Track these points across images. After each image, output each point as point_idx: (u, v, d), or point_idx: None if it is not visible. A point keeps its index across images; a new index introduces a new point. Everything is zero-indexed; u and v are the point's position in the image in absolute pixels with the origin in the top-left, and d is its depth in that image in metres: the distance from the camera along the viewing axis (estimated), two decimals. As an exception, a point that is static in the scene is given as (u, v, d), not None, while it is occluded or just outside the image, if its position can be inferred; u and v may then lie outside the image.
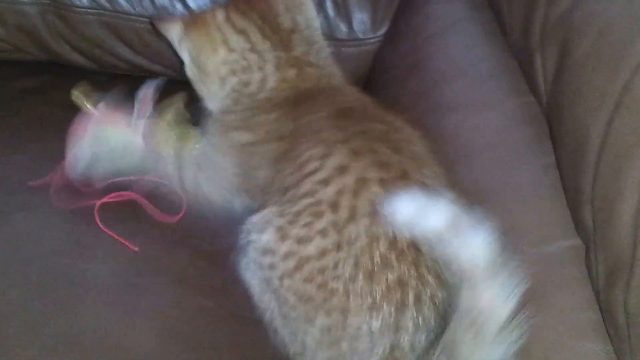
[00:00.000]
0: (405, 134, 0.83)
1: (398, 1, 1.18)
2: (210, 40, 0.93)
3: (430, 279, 0.71)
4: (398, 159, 0.77)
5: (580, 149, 0.67)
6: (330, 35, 1.19)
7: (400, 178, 0.75)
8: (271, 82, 0.90)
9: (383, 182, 0.74)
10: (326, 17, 1.19)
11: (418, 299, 0.71)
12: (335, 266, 0.72)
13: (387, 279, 0.71)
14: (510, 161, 0.80)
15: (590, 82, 0.68)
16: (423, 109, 0.94)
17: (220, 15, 0.94)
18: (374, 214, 0.72)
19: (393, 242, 0.72)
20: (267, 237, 0.77)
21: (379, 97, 1.07)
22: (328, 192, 0.75)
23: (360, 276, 0.71)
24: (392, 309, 0.71)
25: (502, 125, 0.85)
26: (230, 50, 0.92)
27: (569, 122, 0.71)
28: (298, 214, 0.76)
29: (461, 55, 0.96)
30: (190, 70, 0.96)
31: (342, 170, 0.75)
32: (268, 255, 0.76)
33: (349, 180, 0.74)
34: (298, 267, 0.74)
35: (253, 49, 0.92)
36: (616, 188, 0.61)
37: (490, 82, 0.90)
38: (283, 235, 0.76)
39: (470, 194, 0.78)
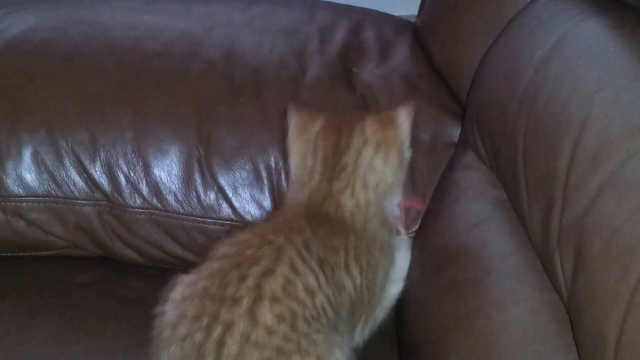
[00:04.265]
0: None
1: (428, 201, 1.25)
2: None
3: None
4: None
5: (597, 347, 0.70)
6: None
7: None
8: None
9: None
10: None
11: None
12: None
13: None
14: (537, 357, 0.82)
15: (602, 284, 0.72)
16: (452, 305, 0.98)
17: None
18: None
19: None
20: None
21: (411, 292, 1.12)
22: None
23: None
24: None
25: (529, 322, 0.87)
26: None
27: (586, 321, 0.74)
28: None
29: (488, 252, 1.01)
30: None
31: None
32: None
33: None
34: None
35: None
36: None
37: (517, 279, 0.93)
38: None
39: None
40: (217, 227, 1.27)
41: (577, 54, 0.94)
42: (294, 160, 1.07)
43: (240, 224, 1.27)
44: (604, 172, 0.77)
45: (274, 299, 0.85)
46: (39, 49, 1.33)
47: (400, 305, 1.19)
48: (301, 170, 1.04)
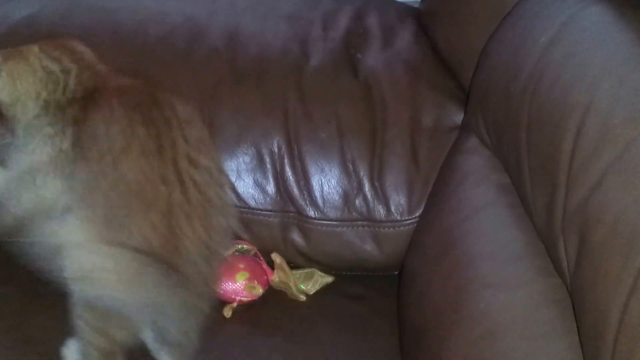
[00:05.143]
0: None
1: (432, 185, 1.26)
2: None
3: None
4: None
5: (599, 331, 0.70)
6: (369, 216, 1.27)
7: None
8: None
9: None
10: (365, 199, 1.27)
11: None
12: None
13: None
14: (537, 339, 0.83)
15: (606, 268, 0.72)
16: (455, 287, 0.99)
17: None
18: None
19: None
20: None
21: (413, 275, 1.13)
22: None
23: None
24: None
25: (530, 304, 0.88)
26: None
27: (589, 305, 0.75)
28: None
29: (491, 237, 1.01)
30: None
31: None
32: None
33: None
34: None
35: None
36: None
37: (519, 263, 0.94)
38: None
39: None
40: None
41: (581, 39, 0.94)
42: None
43: (244, 209, 1.28)
44: (607, 157, 0.77)
45: None
46: (43, 34, 1.33)
47: (402, 288, 1.20)
48: None
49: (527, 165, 0.94)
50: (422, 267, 1.13)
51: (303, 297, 1.24)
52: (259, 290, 1.22)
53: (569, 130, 0.85)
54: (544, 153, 0.90)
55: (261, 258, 1.27)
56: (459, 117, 1.28)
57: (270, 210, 1.29)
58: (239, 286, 1.21)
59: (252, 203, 1.29)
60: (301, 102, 1.30)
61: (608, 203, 0.75)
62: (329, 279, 1.27)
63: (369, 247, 1.28)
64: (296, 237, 1.30)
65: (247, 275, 1.21)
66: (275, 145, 1.29)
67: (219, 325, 1.15)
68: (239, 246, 1.28)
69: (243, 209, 1.28)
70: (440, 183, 1.22)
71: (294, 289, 1.24)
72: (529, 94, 0.96)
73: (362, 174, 1.27)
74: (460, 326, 0.94)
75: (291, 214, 1.29)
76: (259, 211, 1.29)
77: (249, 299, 1.21)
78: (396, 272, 1.29)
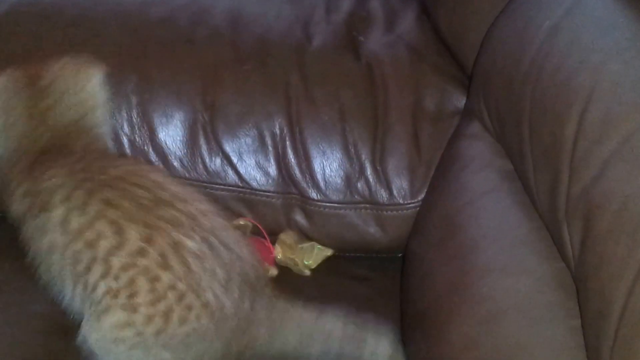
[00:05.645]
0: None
1: (434, 170, 1.26)
2: None
3: None
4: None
5: (602, 316, 0.71)
6: (372, 199, 1.27)
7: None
8: None
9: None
10: (367, 182, 1.27)
11: None
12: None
13: None
14: (539, 322, 0.84)
15: (611, 254, 0.73)
16: (457, 270, 1.00)
17: None
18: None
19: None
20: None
21: (416, 258, 1.13)
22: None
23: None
24: None
25: (533, 288, 0.88)
26: None
27: (593, 289, 0.75)
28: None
29: (495, 221, 1.02)
30: None
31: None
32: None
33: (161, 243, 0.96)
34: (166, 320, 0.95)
35: None
36: (632, 352, 0.65)
37: (522, 248, 0.94)
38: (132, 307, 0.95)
39: (500, 351, 0.83)
40: (224, 193, 1.29)
41: (584, 25, 0.94)
42: None
43: (247, 190, 1.28)
44: (611, 143, 0.78)
45: None
46: (45, 13, 1.33)
47: (405, 270, 1.21)
48: None
49: (530, 152, 0.95)
50: (425, 251, 1.14)
51: (308, 272, 1.25)
52: (274, 272, 1.23)
53: (572, 116, 0.85)
54: (547, 139, 0.90)
55: (265, 236, 1.27)
56: (461, 102, 1.28)
57: (273, 192, 1.30)
58: None
59: (254, 184, 1.29)
60: (303, 85, 1.30)
61: (612, 190, 0.76)
62: (328, 252, 1.28)
63: (373, 229, 1.29)
64: (299, 218, 1.30)
65: None
66: (277, 127, 1.29)
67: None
68: (240, 222, 1.28)
69: (246, 190, 1.29)
70: (442, 168, 1.23)
71: (300, 264, 1.25)
72: (532, 79, 0.97)
73: (364, 157, 1.28)
74: (462, 309, 0.95)
75: (294, 196, 1.30)
76: (261, 192, 1.30)
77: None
78: (400, 255, 1.30)
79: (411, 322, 1.11)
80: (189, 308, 0.96)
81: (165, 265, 0.96)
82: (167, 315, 0.96)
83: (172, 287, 0.96)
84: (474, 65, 1.22)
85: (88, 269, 0.98)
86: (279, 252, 1.25)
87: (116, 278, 0.96)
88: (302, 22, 1.37)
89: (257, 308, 1.02)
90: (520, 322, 0.86)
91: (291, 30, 1.35)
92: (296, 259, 1.25)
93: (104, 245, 0.97)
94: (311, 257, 1.26)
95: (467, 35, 1.27)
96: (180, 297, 0.96)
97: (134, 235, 0.97)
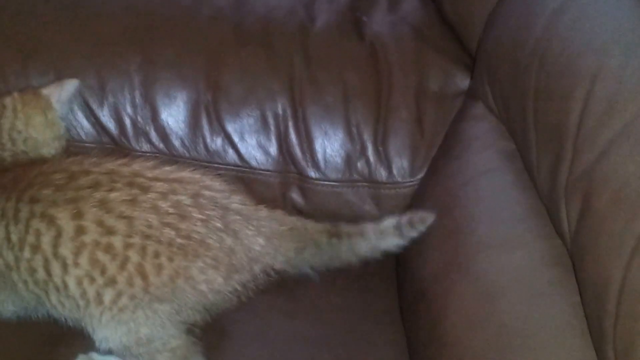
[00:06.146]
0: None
1: (436, 150, 1.27)
2: None
3: None
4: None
5: (602, 292, 0.72)
6: (370, 178, 1.28)
7: None
8: None
9: None
10: (367, 162, 1.28)
11: None
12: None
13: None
14: (538, 298, 0.85)
15: (609, 231, 0.74)
16: (455, 246, 1.01)
17: None
18: None
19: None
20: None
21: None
22: None
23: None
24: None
25: (530, 264, 0.90)
26: None
27: (591, 266, 0.76)
28: None
29: (493, 199, 1.03)
30: None
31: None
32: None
33: None
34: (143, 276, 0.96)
35: None
36: (636, 331, 0.65)
37: (520, 225, 0.95)
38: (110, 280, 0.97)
39: (503, 330, 0.84)
40: (222, 172, 1.28)
41: (590, 6, 0.94)
42: None
43: (245, 168, 1.29)
44: (615, 125, 0.78)
45: None
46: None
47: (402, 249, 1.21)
48: None
49: (534, 133, 0.95)
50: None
51: None
52: None
53: (577, 98, 0.85)
54: (551, 120, 0.91)
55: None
56: (465, 83, 1.29)
57: (271, 171, 1.30)
58: None
59: (253, 163, 1.30)
60: (306, 65, 1.30)
61: (614, 170, 0.76)
62: None
63: (368, 207, 1.29)
64: (295, 196, 1.31)
65: None
66: (280, 107, 1.29)
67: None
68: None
69: (244, 169, 1.29)
70: (444, 148, 1.23)
71: None
72: (536, 61, 0.97)
73: (365, 137, 1.28)
74: (460, 286, 0.96)
75: (292, 174, 1.30)
76: (259, 171, 1.30)
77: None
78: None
79: (410, 300, 1.12)
80: (156, 255, 0.96)
81: (108, 230, 0.96)
82: (140, 271, 0.96)
83: (128, 246, 0.96)
84: (478, 46, 1.23)
85: (48, 272, 0.97)
86: None
87: (77, 266, 0.96)
88: (305, 2, 1.37)
89: (242, 234, 1.03)
90: (519, 298, 0.87)
91: (294, 11, 1.35)
92: None
93: (46, 241, 0.96)
94: None
95: (471, 16, 1.27)
96: (142, 249, 0.96)
97: (64, 218, 0.96)
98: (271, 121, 1.29)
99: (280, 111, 1.29)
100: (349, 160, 1.28)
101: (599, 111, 0.82)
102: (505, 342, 0.84)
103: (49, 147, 1.15)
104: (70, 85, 1.19)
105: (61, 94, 1.17)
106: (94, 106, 1.27)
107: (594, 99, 0.83)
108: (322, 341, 1.09)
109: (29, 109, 1.14)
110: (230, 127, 1.29)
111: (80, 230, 0.96)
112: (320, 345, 1.08)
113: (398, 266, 1.22)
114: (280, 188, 1.31)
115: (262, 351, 1.07)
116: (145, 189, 0.99)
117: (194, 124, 1.28)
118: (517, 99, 1.02)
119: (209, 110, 1.28)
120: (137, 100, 1.28)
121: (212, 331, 1.04)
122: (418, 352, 1.03)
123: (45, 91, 1.16)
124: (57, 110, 1.16)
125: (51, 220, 0.96)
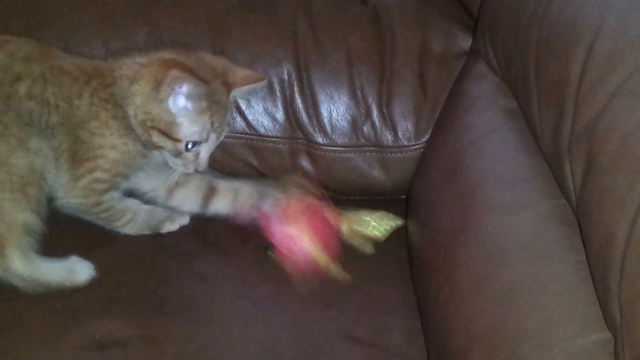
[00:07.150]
0: None
1: (439, 111, 1.28)
2: None
3: None
4: None
5: (607, 249, 0.72)
6: (376, 142, 1.29)
7: None
8: None
9: None
10: (373, 125, 1.29)
11: None
12: None
13: None
14: (545, 258, 0.85)
15: (614, 186, 0.74)
16: (462, 209, 1.02)
17: None
18: None
19: None
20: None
21: (420, 199, 1.14)
22: None
23: None
24: None
25: (536, 225, 0.90)
26: None
27: (596, 223, 0.76)
28: None
29: (498, 160, 1.03)
30: None
31: None
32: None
33: None
34: None
35: None
36: (640, 285, 0.67)
37: (525, 186, 0.96)
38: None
39: (507, 288, 0.85)
40: (231, 140, 1.30)
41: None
42: None
43: (254, 136, 1.30)
44: (616, 80, 0.78)
45: None
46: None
47: (410, 212, 1.23)
48: None
49: (536, 89, 0.95)
50: (429, 191, 1.16)
51: (370, 249, 1.16)
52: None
53: (578, 53, 0.85)
54: (553, 77, 0.91)
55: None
56: (467, 43, 1.29)
57: (279, 137, 1.32)
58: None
59: (261, 130, 1.31)
60: (311, 30, 1.30)
61: (615, 126, 0.76)
62: (398, 221, 1.20)
63: (377, 172, 1.31)
64: (305, 163, 1.32)
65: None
66: (285, 73, 1.30)
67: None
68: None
69: (253, 136, 1.31)
70: (448, 109, 1.24)
71: (368, 236, 1.16)
72: (538, 18, 0.97)
73: (370, 100, 1.29)
74: (467, 248, 0.96)
75: (300, 141, 1.31)
76: (268, 138, 1.31)
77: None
78: (403, 197, 1.32)
79: (419, 262, 1.13)
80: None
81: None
82: None
83: None
84: (479, 6, 1.22)
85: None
86: (345, 225, 1.14)
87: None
88: (309, -34, 1.37)
89: None
90: (526, 258, 0.87)
91: (299, -25, 1.35)
92: (365, 232, 1.15)
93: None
94: (380, 228, 1.17)
95: (473, -24, 1.27)
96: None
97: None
98: (277, 87, 1.30)
99: (285, 76, 1.30)
100: (354, 124, 1.29)
101: (600, 66, 0.81)
102: (511, 298, 0.84)
103: None
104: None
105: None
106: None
107: (594, 54, 0.83)
108: (335, 303, 1.09)
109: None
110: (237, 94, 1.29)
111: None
112: (334, 307, 1.08)
113: (407, 230, 1.23)
114: (290, 156, 1.32)
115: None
116: None
117: (200, 92, 1.29)
118: (518, 57, 1.01)
119: (215, 78, 1.29)
120: (144, 70, 1.28)
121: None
122: (427, 312, 1.04)
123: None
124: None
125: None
